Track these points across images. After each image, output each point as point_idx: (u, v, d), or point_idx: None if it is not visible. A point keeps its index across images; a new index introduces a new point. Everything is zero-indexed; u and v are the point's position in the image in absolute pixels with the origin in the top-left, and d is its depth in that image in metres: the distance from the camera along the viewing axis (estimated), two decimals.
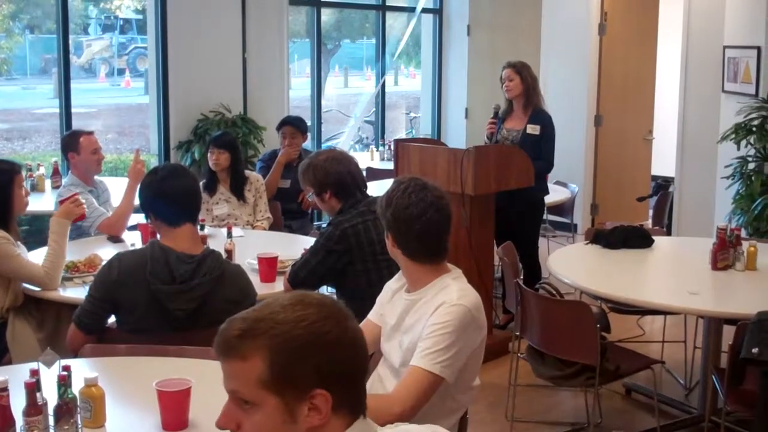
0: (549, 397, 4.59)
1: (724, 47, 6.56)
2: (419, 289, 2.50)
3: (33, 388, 2.15)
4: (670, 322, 5.14)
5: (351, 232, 3.36)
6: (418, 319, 2.44)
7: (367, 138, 10.62)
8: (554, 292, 3.73)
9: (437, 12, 9.09)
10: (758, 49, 5.96)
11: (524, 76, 5.46)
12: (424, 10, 8.93)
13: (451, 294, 2.41)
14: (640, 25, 8.38)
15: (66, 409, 2.18)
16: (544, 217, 6.30)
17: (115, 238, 4.35)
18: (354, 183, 3.45)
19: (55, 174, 5.83)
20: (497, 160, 4.88)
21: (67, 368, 2.21)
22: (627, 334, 5.20)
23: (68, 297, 3.45)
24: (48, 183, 5.81)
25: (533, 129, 5.42)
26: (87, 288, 3.09)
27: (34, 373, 2.19)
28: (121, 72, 17.34)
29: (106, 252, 3.93)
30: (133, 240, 4.29)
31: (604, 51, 8.16)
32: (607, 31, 8.12)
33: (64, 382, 2.17)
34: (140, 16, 15.53)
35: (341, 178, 3.42)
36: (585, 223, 8.00)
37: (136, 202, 3.72)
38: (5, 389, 2.12)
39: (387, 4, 8.87)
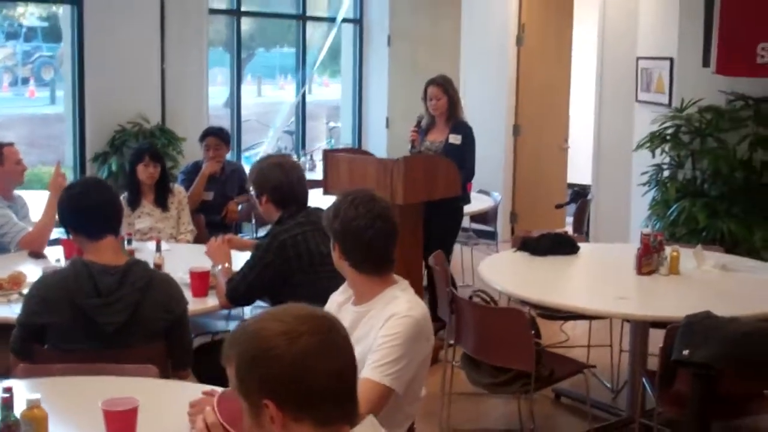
0: (480, 405, 4.63)
1: (638, 58, 6.75)
2: (368, 301, 2.49)
3: None
4: (594, 326, 5.25)
5: (290, 243, 3.30)
6: (368, 332, 2.44)
7: (286, 148, 10.53)
8: (488, 300, 3.77)
9: (358, 22, 9.11)
10: (671, 60, 6.16)
11: (450, 94, 5.54)
12: (345, 20, 8.94)
13: (401, 306, 2.41)
14: (557, 37, 8.55)
15: None
16: (467, 225, 6.36)
17: (37, 254, 4.21)
18: (291, 194, 3.40)
19: None
20: (426, 169, 4.91)
21: (9, 390, 2.11)
22: (551, 340, 5.27)
23: None
24: None
25: (455, 138, 5.49)
26: (11, 306, 3.07)
27: None
28: (25, 81, 16.75)
29: (28, 268, 3.83)
30: (55, 255, 4.15)
31: (522, 62, 8.29)
32: (525, 42, 8.26)
33: (6, 404, 2.08)
34: (45, 24, 15.04)
35: (278, 185, 3.38)
36: (505, 230, 8.10)
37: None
38: None
39: (307, 14, 8.84)
